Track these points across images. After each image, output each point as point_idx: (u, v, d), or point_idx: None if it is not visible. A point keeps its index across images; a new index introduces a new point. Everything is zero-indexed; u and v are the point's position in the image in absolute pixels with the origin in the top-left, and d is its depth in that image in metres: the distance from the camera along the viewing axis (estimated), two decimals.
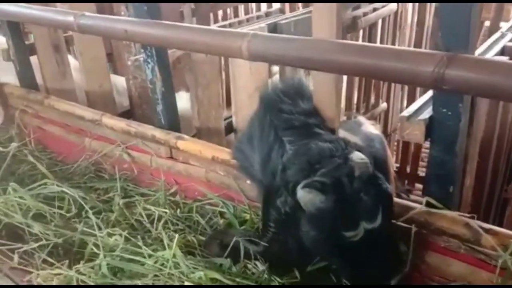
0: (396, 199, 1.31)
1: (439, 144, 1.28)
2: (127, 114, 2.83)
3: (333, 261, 1.20)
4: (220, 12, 3.79)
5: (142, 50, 1.81)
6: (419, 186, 3.45)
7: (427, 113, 1.28)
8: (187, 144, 1.82)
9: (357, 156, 1.14)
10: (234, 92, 2.21)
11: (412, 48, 1.09)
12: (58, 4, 2.81)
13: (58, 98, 2.23)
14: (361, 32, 2.85)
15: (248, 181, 1.67)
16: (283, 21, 2.36)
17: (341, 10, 1.37)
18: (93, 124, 2.09)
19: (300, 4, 3.58)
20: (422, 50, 1.12)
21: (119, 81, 2.97)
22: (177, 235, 1.50)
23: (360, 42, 2.58)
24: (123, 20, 1.73)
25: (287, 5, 3.49)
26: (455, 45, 1.14)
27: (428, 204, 1.30)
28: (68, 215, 1.70)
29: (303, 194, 1.12)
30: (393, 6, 3.10)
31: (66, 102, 2.19)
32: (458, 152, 1.26)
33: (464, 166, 1.44)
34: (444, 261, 1.33)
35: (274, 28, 2.33)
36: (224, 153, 1.72)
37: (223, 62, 2.45)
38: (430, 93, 1.38)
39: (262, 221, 1.35)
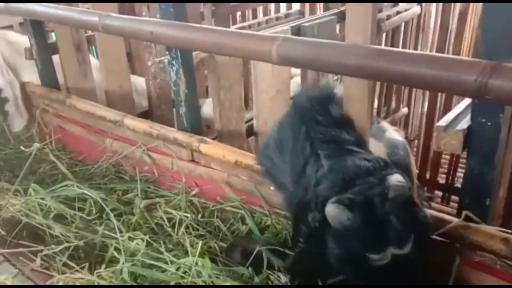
0: (430, 212, 1.26)
1: (477, 155, 1.22)
2: (146, 115, 2.81)
3: (356, 282, 1.15)
4: (238, 13, 3.76)
5: (167, 52, 1.78)
6: (438, 193, 3.38)
7: (465, 123, 1.23)
8: (210, 147, 1.78)
9: (395, 178, 1.08)
10: (255, 94, 2.17)
11: (453, 56, 1.03)
12: (79, 4, 2.80)
13: (79, 97, 2.21)
14: (383, 35, 2.80)
15: (272, 188, 1.63)
16: (307, 24, 2.31)
17: (376, 14, 1.32)
18: (114, 125, 2.06)
19: (320, 6, 3.52)
20: (464, 58, 1.07)
21: (138, 81, 2.94)
22: (200, 242, 1.46)
23: (397, 48, 2.51)
24: (149, 22, 1.69)
25: (307, 6, 3.43)
26: (498, 53, 1.08)
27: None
28: (89, 218, 1.67)
29: (330, 209, 1.07)
30: (416, 9, 3.03)
31: (88, 102, 2.16)
32: (497, 164, 1.20)
33: (499, 177, 1.38)
34: (478, 276, 1.27)
35: (297, 31, 2.29)
36: (247, 158, 1.68)
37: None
38: (466, 101, 1.32)
39: (291, 234, 1.30)
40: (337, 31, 2.57)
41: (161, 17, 1.75)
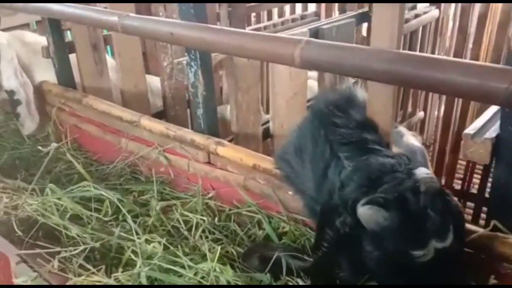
0: None
1: (505, 164, 1.18)
2: (160, 115, 2.80)
3: (401, 283, 1.12)
4: (253, 15, 3.73)
5: (186, 53, 1.76)
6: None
7: (493, 131, 1.19)
8: (228, 150, 1.75)
9: (422, 171, 1.06)
10: (272, 97, 2.15)
11: (483, 63, 1.01)
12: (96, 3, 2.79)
13: (96, 97, 2.20)
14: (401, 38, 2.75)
15: (290, 192, 1.60)
16: (325, 26, 2.28)
17: (403, 17, 1.29)
18: (130, 125, 2.05)
19: (336, 8, 3.48)
20: (496, 65, 1.03)
21: (153, 81, 2.93)
22: (219, 248, 1.44)
23: (424, 53, 2.47)
24: (169, 23, 1.67)
25: (322, 8, 3.40)
26: None
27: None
28: (106, 219, 1.65)
29: (364, 211, 1.04)
30: (435, 12, 2.99)
31: (104, 102, 2.15)
32: None
33: None
34: None
35: (316, 33, 2.26)
36: (265, 162, 1.65)
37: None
38: (493, 109, 1.29)
39: (315, 239, 1.28)
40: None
41: (180, 17, 1.73)
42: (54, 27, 2.28)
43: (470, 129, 1.22)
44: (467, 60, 1.10)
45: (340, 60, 1.26)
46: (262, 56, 1.42)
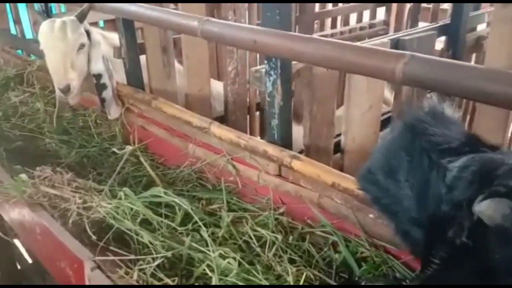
0: None
1: None
2: (221, 120, 2.75)
3: None
4: (316, 21, 3.63)
5: (265, 61, 1.68)
6: None
7: None
8: (303, 165, 1.66)
9: None
10: (347, 109, 2.04)
11: None
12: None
13: (166, 100, 2.17)
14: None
15: (372, 215, 1.50)
16: (406, 37, 2.15)
17: None
18: (199, 131, 2.00)
19: (405, 16, 3.33)
20: None
21: (215, 85, 2.89)
22: (295, 270, 1.35)
23: None
24: (252, 29, 1.60)
25: (392, 17, 3.25)
26: None
27: None
28: (179, 228, 1.60)
29: (485, 206, 0.91)
30: None
31: (174, 106, 2.12)
32: None
33: None
34: None
35: (396, 44, 2.14)
36: (346, 181, 1.55)
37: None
38: None
39: (422, 257, 1.16)
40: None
41: (263, 24, 1.66)
42: (128, 28, 2.27)
43: None
44: None
45: (450, 79, 1.15)
46: (359, 69, 1.32)
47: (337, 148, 2.16)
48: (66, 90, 2.12)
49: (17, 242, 3.48)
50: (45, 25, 2.17)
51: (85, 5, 2.19)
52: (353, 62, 1.28)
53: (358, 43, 1.61)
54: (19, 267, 3.62)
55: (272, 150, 1.76)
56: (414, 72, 1.20)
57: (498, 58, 1.14)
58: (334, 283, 1.43)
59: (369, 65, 1.26)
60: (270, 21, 1.61)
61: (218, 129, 1.93)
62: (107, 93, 2.27)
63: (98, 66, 2.24)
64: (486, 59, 1.19)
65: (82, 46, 2.18)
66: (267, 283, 1.33)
